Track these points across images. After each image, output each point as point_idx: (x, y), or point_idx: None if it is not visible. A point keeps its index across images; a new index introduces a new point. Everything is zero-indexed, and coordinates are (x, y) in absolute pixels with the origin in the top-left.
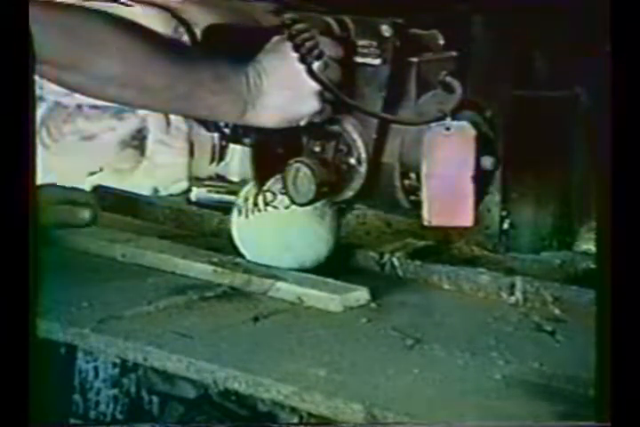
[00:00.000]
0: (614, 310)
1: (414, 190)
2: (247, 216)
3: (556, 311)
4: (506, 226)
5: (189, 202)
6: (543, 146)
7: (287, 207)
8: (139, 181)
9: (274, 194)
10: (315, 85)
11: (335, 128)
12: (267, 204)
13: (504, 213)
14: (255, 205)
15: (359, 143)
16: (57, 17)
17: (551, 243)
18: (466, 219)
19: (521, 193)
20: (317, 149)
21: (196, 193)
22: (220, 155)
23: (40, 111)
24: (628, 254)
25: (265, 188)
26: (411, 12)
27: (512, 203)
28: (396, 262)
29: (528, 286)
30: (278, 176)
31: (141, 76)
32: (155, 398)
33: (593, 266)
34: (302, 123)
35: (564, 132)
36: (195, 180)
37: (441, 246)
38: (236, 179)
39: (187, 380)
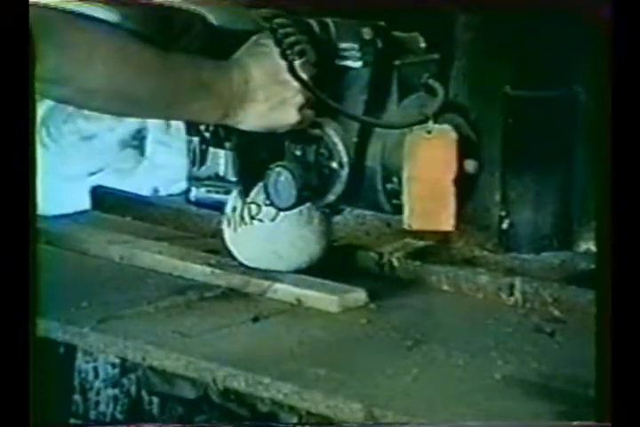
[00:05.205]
0: (614, 310)
1: (396, 194)
2: (235, 230)
3: (556, 312)
4: (505, 226)
5: (189, 202)
6: (542, 146)
7: (273, 219)
8: (138, 181)
9: (258, 206)
10: (299, 98)
11: (316, 132)
12: (252, 217)
13: (503, 213)
14: (242, 218)
15: (340, 147)
16: (49, 33)
17: (551, 243)
18: (447, 223)
19: (520, 193)
20: (298, 152)
21: (195, 193)
22: (200, 158)
23: (40, 111)
24: (627, 254)
25: (249, 199)
26: (393, 14)
27: (511, 203)
28: (395, 263)
29: (527, 287)
30: (261, 184)
31: (127, 88)
32: (155, 399)
33: (593, 266)
34: (281, 130)
35: (564, 132)
36: (194, 180)
37: (440, 247)
38: (235, 179)
39: (186, 380)
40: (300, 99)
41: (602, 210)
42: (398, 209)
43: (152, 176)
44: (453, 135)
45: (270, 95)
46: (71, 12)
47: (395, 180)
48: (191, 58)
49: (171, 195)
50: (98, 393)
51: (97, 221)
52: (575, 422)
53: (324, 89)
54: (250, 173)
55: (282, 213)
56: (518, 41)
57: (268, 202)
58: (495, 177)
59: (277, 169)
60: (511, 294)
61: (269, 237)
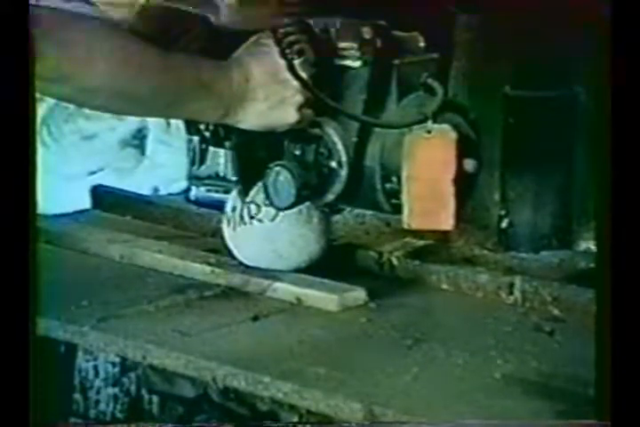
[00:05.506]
0: (614, 309)
1: (395, 193)
2: (235, 229)
3: (555, 311)
4: (505, 225)
5: (189, 201)
6: (542, 145)
7: (272, 219)
8: (139, 181)
9: (258, 206)
10: (298, 97)
11: (316, 131)
12: (252, 217)
13: (503, 213)
14: (241, 218)
15: (340, 146)
16: (49, 32)
17: (550, 242)
18: (446, 222)
19: (520, 192)
20: (298, 152)
21: (195, 192)
22: (200, 157)
23: (40, 111)
24: (627, 254)
25: (248, 199)
26: (392, 13)
27: (511, 202)
28: (394, 262)
29: (527, 286)
30: (260, 184)
31: (128, 87)
32: (155, 398)
33: (592, 266)
34: (281, 130)
35: (564, 132)
36: (194, 179)
37: (440, 246)
38: (235, 178)
39: (186, 379)
40: (299, 98)
41: (602, 210)
42: (397, 209)
43: (152, 175)
44: (453, 135)
45: (270, 94)
46: (71, 12)
47: (394, 179)
48: (191, 57)
49: (171, 194)
50: (98, 392)
51: (97, 220)
52: (575, 421)
53: (324, 88)
54: (249, 172)
55: (281, 213)
56: (518, 41)
57: (267, 201)
58: (495, 177)
59: (277, 168)
60: (511, 293)
61: (269, 236)
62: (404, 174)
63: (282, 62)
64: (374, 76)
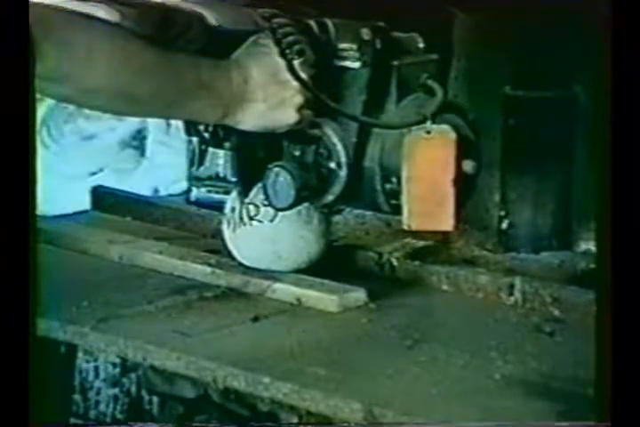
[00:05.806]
0: (614, 310)
1: (395, 194)
2: (234, 230)
3: (556, 312)
4: (505, 226)
5: (189, 202)
6: (542, 146)
7: (272, 220)
8: (139, 182)
9: (257, 206)
10: (298, 98)
11: (315, 132)
12: (251, 218)
13: (503, 213)
14: (241, 219)
15: (339, 147)
16: (49, 32)
17: (550, 243)
18: (446, 223)
19: (520, 193)
20: (297, 153)
21: (196, 193)
22: (199, 158)
23: (41, 111)
24: (628, 254)
25: (247, 200)
26: (392, 14)
27: (511, 203)
28: (394, 263)
29: (527, 287)
30: (260, 185)
31: (129, 88)
32: (155, 398)
33: (593, 266)
34: (280, 130)
35: (564, 133)
36: (195, 180)
37: (440, 247)
38: (235, 179)
39: (187, 379)
40: (298, 99)
41: (602, 210)
42: (397, 209)
43: (152, 176)
44: (452, 135)
45: (269, 95)
46: (71, 12)
47: (394, 180)
48: (191, 57)
49: (171, 195)
50: (98, 393)
51: (97, 221)
52: (575, 422)
53: (323, 89)
54: (249, 173)
55: (281, 214)
56: (518, 41)
57: (266, 202)
58: (495, 177)
59: (276, 169)
60: (511, 294)
61: (269, 237)
62: (404, 175)
63: (281, 63)
64: (374, 77)
